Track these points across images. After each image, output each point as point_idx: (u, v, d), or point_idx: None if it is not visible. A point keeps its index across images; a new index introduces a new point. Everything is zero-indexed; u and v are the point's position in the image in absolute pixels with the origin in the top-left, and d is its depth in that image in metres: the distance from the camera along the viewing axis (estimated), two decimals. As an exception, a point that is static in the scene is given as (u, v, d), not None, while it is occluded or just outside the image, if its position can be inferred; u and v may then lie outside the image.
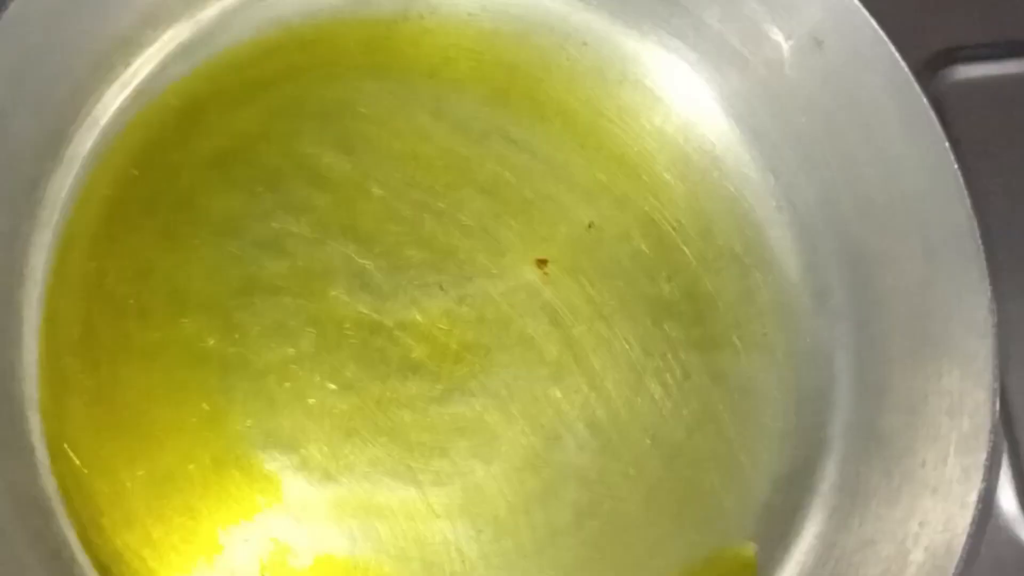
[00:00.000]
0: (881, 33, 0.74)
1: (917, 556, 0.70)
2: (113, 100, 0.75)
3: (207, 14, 0.78)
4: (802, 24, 0.77)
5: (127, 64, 0.75)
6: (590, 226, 0.78)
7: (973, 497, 0.69)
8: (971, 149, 0.78)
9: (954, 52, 0.89)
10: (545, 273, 0.77)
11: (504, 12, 0.82)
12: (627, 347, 0.76)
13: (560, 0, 0.82)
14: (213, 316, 0.73)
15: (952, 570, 0.67)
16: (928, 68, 0.87)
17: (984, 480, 0.69)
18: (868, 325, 0.77)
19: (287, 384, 0.72)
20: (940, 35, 0.89)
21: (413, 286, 0.75)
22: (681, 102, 0.82)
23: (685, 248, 0.78)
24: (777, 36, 0.78)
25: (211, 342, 0.72)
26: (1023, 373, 0.82)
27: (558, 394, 0.75)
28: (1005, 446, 0.81)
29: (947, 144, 0.72)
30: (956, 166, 0.72)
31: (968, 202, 0.71)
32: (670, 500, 0.74)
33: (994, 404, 0.69)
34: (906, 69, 0.73)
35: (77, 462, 0.69)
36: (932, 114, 0.73)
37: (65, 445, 0.69)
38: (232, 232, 0.74)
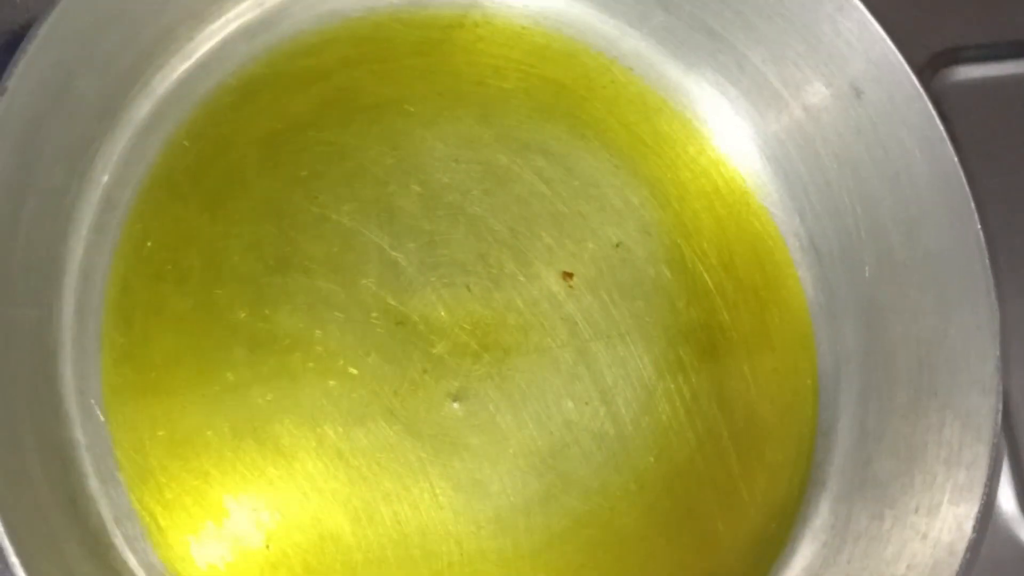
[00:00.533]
0: (920, 90, 0.76)
1: (902, 598, 0.72)
2: (173, 71, 0.77)
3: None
4: (844, 73, 0.79)
5: (190, 38, 0.77)
6: (617, 246, 0.80)
7: (963, 546, 0.71)
8: (971, 149, 0.78)
9: (955, 52, 0.90)
10: (570, 286, 0.79)
11: (556, 30, 0.84)
12: (641, 366, 0.78)
13: (612, 24, 0.84)
14: (246, 290, 0.74)
15: (936, 614, 0.69)
16: (929, 68, 0.89)
17: (975, 531, 0.70)
18: (875, 371, 0.79)
19: (310, 364, 0.74)
20: (941, 35, 0.90)
21: (442, 284, 0.77)
22: (718, 136, 0.84)
23: (707, 277, 0.80)
24: (818, 82, 0.80)
25: (242, 315, 0.74)
26: (1023, 373, 0.84)
27: (570, 404, 0.77)
28: (1005, 447, 0.83)
29: (972, 205, 0.74)
30: (979, 227, 0.74)
31: (987, 263, 0.73)
32: (666, 518, 0.76)
33: (992, 458, 0.71)
34: (941, 128, 0.75)
35: (101, 417, 0.71)
36: (962, 175, 0.75)
37: (92, 401, 0.71)
38: (273, 212, 0.76)
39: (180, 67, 0.77)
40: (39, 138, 0.68)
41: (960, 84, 0.90)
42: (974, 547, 0.70)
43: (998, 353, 0.73)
